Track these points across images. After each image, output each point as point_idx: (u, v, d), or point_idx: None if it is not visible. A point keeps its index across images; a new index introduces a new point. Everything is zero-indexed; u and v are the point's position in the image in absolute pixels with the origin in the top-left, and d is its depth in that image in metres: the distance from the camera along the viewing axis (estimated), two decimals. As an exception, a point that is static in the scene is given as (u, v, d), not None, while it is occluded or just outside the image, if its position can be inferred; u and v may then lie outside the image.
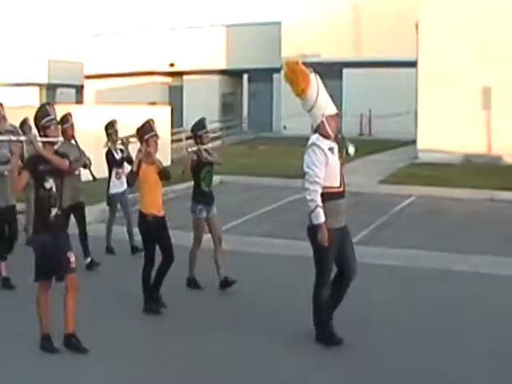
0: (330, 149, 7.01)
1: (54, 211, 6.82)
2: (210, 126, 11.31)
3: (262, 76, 39.85)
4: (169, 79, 43.63)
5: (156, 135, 8.30)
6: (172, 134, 25.49)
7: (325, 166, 6.89)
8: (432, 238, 12.51)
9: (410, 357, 6.80)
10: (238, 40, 40.40)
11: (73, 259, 6.85)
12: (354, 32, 35.73)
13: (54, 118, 6.97)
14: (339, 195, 7.06)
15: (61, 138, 7.21)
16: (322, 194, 6.90)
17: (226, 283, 9.10)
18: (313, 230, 6.98)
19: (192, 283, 9.30)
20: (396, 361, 6.71)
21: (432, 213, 15.27)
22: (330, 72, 35.71)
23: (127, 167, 10.47)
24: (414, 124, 25.73)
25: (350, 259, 7.22)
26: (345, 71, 36.25)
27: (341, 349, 6.95)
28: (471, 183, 17.94)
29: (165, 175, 8.28)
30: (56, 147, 7.01)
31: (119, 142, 11.27)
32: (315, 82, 7.13)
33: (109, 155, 11.19)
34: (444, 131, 21.79)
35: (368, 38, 34.71)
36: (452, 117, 22.44)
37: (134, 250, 11.05)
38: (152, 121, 8.45)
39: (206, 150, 9.21)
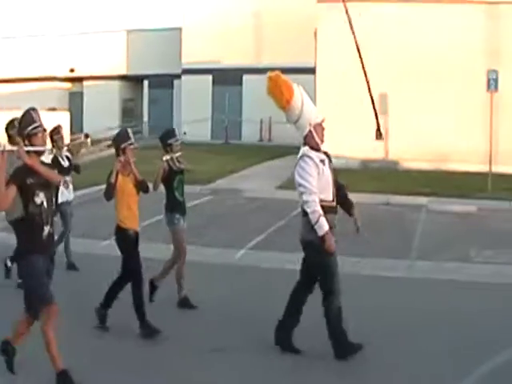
0: (322, 161, 6.94)
1: (46, 229, 6.09)
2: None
3: (163, 82, 39.69)
4: (69, 85, 42.90)
5: (133, 143, 7.92)
6: (71, 140, 25.03)
7: (317, 178, 6.81)
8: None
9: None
10: (139, 45, 40.13)
11: None
12: (255, 39, 36.02)
13: (41, 125, 6.23)
14: (331, 210, 6.97)
15: (48, 147, 6.56)
16: None
17: (186, 303, 8.79)
18: (310, 244, 6.89)
19: (184, 303, 8.81)
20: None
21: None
22: (230, 78, 36.08)
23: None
24: (313, 129, 26.01)
25: None
26: (245, 77, 36.43)
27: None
28: (369, 187, 18.39)
29: (143, 187, 7.95)
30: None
31: (65, 148, 10.83)
32: (298, 91, 7.03)
33: (55, 163, 10.10)
34: (342, 137, 22.24)
35: (269, 44, 35.05)
36: (350, 122, 23.00)
37: (71, 267, 10.58)
38: (128, 128, 8.22)
39: (177, 158, 8.98)
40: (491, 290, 9.75)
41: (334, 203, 7.04)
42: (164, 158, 8.88)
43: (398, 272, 10.74)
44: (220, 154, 27.27)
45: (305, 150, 6.97)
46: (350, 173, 19.17)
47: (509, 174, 21.43)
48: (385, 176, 20.89)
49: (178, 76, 37.75)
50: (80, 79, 42.04)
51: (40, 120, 6.27)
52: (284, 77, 7.03)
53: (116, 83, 41.44)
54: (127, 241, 7.84)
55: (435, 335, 7.66)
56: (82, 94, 42.11)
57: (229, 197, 18.13)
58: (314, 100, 23.50)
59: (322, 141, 7.05)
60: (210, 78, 37.21)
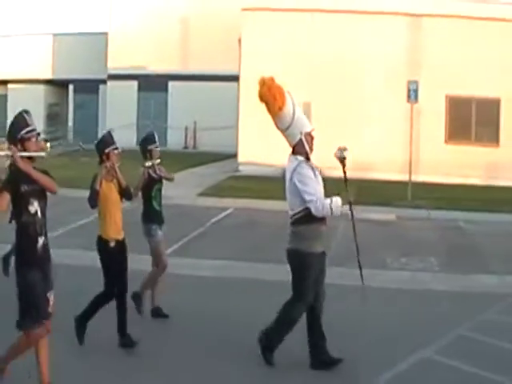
0: (313, 169, 6.82)
1: (41, 240, 5.74)
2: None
3: (88, 87, 39.13)
4: (-7, 87, 41.90)
5: (118, 148, 7.47)
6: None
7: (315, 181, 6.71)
8: (246, 248, 12.68)
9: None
10: (65, 49, 39.50)
11: (51, 301, 5.83)
12: (181, 45, 35.89)
13: (35, 129, 5.90)
14: (322, 219, 6.83)
15: (43, 153, 6.00)
16: (304, 216, 6.70)
17: (159, 312, 8.49)
18: (293, 254, 6.79)
19: (156, 312, 8.50)
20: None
21: (247, 224, 15.54)
22: (156, 84, 35.81)
23: None
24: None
25: (322, 285, 7.01)
26: (170, 84, 36.26)
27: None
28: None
29: (127, 194, 7.53)
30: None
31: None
32: (290, 99, 6.89)
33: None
34: (263, 144, 22.24)
35: (195, 51, 35.00)
36: (271, 130, 22.90)
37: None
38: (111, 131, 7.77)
39: (158, 165, 8.61)
40: (402, 296, 9.80)
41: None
42: (146, 165, 8.52)
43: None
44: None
45: (298, 158, 6.83)
46: (271, 181, 19.09)
47: (429, 183, 21.80)
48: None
49: (104, 81, 37.29)
50: (4, 82, 41.04)
51: (33, 123, 5.94)
52: (277, 82, 6.88)
53: (41, 87, 40.70)
54: (108, 252, 7.36)
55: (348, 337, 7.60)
56: (6, 96, 41.10)
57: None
58: (237, 107, 23.63)
59: (312, 150, 6.92)
60: (135, 83, 36.92)
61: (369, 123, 23.64)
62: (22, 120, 5.91)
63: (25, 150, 5.73)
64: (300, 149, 6.85)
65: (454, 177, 23.08)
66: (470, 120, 24.96)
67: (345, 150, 7.00)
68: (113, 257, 7.33)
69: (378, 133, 23.54)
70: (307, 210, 6.67)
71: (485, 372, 6.93)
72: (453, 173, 23.22)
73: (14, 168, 5.78)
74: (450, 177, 23.03)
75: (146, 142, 8.77)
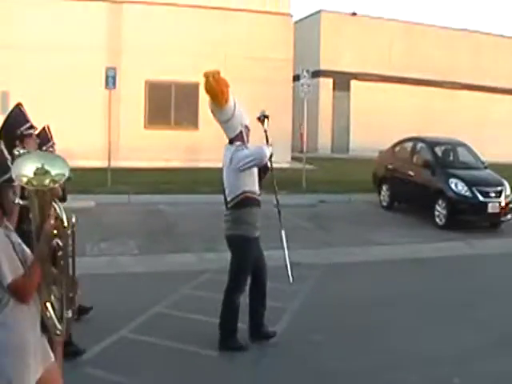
0: None
1: None
2: None
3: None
4: None
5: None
6: None
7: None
8: None
9: None
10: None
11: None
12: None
13: (33, 126, 5.48)
14: (258, 203, 7.17)
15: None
16: (244, 199, 7.02)
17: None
18: (234, 239, 7.10)
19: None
20: None
21: None
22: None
23: None
24: None
25: (263, 265, 7.37)
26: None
27: None
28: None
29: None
30: None
31: None
32: (231, 93, 7.03)
33: None
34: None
35: None
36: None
37: None
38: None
39: None
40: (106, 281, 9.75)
41: (260, 197, 7.23)
42: None
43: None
44: None
45: (236, 143, 7.09)
46: None
47: (129, 168, 21.86)
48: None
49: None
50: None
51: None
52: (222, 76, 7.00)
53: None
54: None
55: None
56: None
57: None
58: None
59: (248, 141, 7.21)
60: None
61: (69, 111, 23.03)
62: (20, 114, 5.59)
63: (24, 148, 5.17)
64: (240, 140, 7.14)
65: (156, 161, 23.44)
66: (169, 105, 25.51)
67: (263, 113, 7.65)
68: None
69: (77, 120, 23.04)
70: (244, 192, 7.02)
71: (179, 344, 7.22)
72: (154, 157, 23.57)
73: None
74: (152, 161, 23.33)
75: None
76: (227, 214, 7.17)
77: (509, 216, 15.59)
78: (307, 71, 21.18)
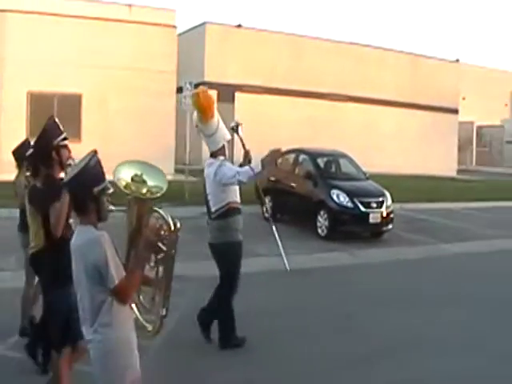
0: None
1: None
2: None
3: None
4: None
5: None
6: None
7: None
8: None
9: None
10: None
11: None
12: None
13: (67, 137, 5.98)
14: (239, 210, 7.71)
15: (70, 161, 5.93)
16: (229, 209, 7.54)
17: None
18: (220, 246, 7.58)
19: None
20: None
21: None
22: None
23: None
24: None
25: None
26: None
27: None
28: None
29: None
30: None
31: None
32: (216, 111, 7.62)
33: None
34: None
35: None
36: None
37: None
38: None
39: None
40: None
41: (240, 206, 7.76)
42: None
43: None
44: None
45: (219, 158, 7.58)
46: None
47: (11, 181, 21.10)
48: None
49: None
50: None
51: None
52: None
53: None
54: None
55: None
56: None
57: None
58: None
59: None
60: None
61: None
62: (55, 126, 5.96)
63: (59, 158, 5.83)
64: (222, 154, 7.65)
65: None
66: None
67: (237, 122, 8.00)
68: None
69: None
70: (229, 203, 7.56)
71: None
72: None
73: None
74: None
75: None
76: (212, 224, 7.70)
77: (390, 226, 16.04)
78: (190, 83, 21.11)
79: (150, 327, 5.00)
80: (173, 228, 4.75)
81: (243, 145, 7.76)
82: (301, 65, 34.24)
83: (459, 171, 42.32)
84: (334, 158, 17.87)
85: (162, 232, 4.71)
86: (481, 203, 25.15)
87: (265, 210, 8.47)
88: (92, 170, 4.30)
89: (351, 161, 17.96)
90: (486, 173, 46.14)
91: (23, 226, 7.53)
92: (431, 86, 39.10)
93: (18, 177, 8.19)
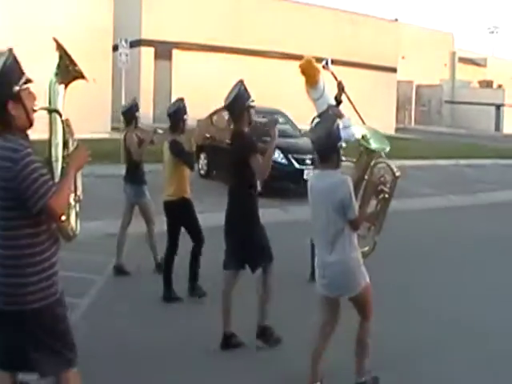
0: None
1: None
2: None
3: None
4: None
5: None
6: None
7: None
8: None
9: None
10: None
11: None
12: None
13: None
14: None
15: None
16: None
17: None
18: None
19: (120, 270, 8.99)
20: None
21: None
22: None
23: None
24: None
25: None
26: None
27: None
28: None
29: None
30: None
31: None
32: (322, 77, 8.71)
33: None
34: None
35: None
36: None
37: None
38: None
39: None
40: None
41: None
42: (160, 131, 9.30)
43: None
44: None
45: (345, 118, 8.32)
46: None
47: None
48: None
49: None
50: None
51: None
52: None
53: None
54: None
55: None
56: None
57: None
58: None
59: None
60: None
61: None
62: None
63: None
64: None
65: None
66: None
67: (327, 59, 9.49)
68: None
69: None
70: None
71: None
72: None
73: None
74: None
75: (132, 109, 9.56)
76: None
77: (325, 181, 16.11)
78: (125, 41, 20.76)
79: (366, 248, 6.44)
80: (397, 175, 6.25)
81: (335, 77, 9.02)
82: (242, 23, 33.90)
83: (397, 130, 42.73)
84: (268, 114, 17.79)
85: (387, 177, 6.16)
86: (418, 161, 25.45)
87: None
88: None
89: (286, 118, 17.93)
90: (424, 132, 46.73)
91: (131, 178, 9.21)
92: (370, 45, 39.21)
93: (127, 133, 9.39)
